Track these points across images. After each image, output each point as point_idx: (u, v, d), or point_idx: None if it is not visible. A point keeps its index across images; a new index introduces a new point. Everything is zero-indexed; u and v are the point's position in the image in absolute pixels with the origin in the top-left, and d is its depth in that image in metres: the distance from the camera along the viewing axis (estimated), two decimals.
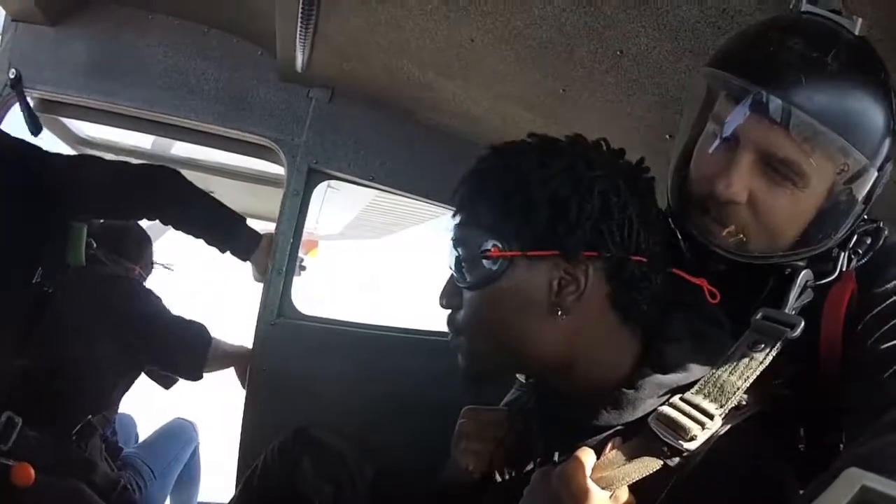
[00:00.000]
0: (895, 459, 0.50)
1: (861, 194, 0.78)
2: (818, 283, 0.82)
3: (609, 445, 0.73)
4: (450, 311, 0.83)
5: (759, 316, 0.76)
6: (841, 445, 0.81)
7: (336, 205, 3.07)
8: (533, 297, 0.76)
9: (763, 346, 0.72)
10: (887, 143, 0.76)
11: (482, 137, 1.82)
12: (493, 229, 0.76)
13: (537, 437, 0.88)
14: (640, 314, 0.79)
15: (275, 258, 1.71)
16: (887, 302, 0.76)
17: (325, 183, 1.88)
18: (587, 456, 0.72)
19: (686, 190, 0.85)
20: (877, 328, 0.73)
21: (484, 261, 0.76)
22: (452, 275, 0.82)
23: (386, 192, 1.95)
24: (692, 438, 0.66)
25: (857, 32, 0.77)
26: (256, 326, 1.71)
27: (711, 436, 0.67)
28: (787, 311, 0.78)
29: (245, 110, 1.73)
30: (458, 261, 0.80)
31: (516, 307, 0.77)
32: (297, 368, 1.71)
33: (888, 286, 0.78)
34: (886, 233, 0.85)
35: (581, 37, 1.19)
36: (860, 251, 0.83)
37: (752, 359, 0.71)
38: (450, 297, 0.83)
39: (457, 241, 0.80)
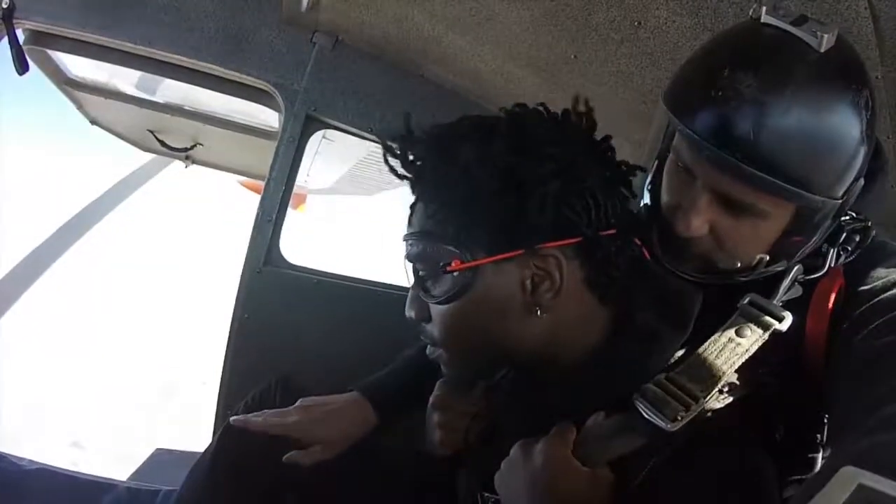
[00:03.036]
0: (890, 457, 0.48)
1: (826, 220, 0.78)
2: (807, 277, 0.82)
3: (591, 419, 0.72)
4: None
5: (746, 301, 0.76)
6: (818, 438, 0.82)
7: (329, 157, 3.01)
8: (507, 301, 0.73)
9: (749, 333, 0.72)
10: (853, 169, 0.75)
11: (486, 98, 1.80)
12: (449, 239, 0.71)
13: (514, 414, 0.86)
14: (617, 290, 0.77)
15: (264, 205, 1.68)
16: (874, 301, 0.75)
17: (319, 133, 1.83)
18: (568, 431, 0.71)
19: (657, 206, 0.85)
20: (864, 326, 0.72)
21: (447, 275, 0.72)
22: (415, 286, 0.78)
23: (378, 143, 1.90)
24: (676, 419, 0.65)
25: (822, 49, 0.71)
26: (242, 273, 1.68)
27: (695, 418, 0.66)
28: (777, 296, 0.79)
29: (245, 51, 1.66)
30: (419, 278, 0.76)
31: (491, 314, 0.74)
32: (282, 318, 1.69)
33: (875, 285, 0.78)
34: (874, 232, 0.84)
35: (600, 2, 1.15)
36: (849, 248, 0.83)
37: (738, 345, 0.71)
38: (418, 309, 0.79)
39: (413, 258, 0.76)
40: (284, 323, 1.69)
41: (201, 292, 6.04)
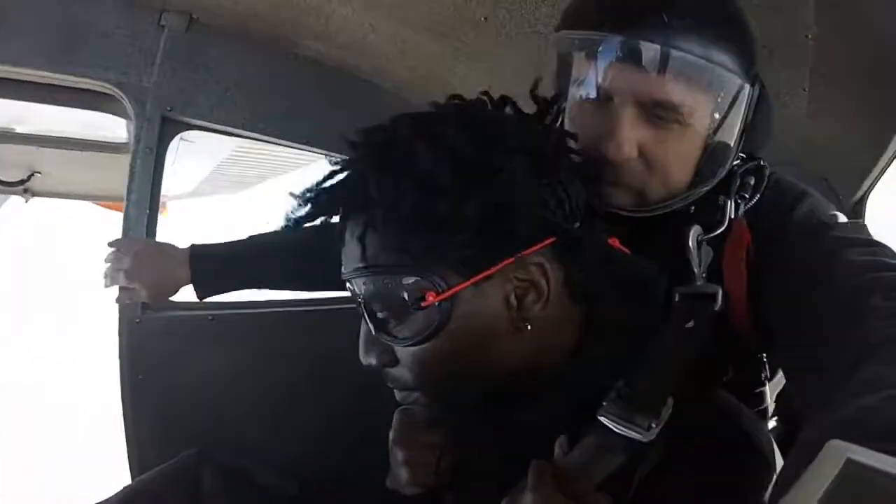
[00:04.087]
0: (880, 422, 0.44)
1: (743, 114, 0.76)
2: (711, 235, 0.79)
3: (557, 448, 0.65)
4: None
5: (677, 299, 0.74)
6: (762, 375, 0.88)
7: (190, 159, 2.60)
8: (492, 324, 0.63)
9: (693, 323, 0.69)
10: (756, 56, 0.76)
11: (379, 73, 1.58)
12: (415, 268, 0.60)
13: (486, 440, 0.76)
14: (593, 288, 0.69)
15: (127, 235, 1.34)
16: (799, 251, 0.72)
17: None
18: (548, 471, 0.62)
19: (580, 164, 0.76)
20: (802, 282, 0.68)
21: (417, 312, 0.61)
22: (374, 329, 0.65)
23: (256, 140, 1.61)
24: (650, 427, 0.60)
25: None
26: (119, 328, 1.34)
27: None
28: (697, 274, 0.77)
29: (78, 49, 1.28)
30: (379, 321, 0.64)
31: (475, 343, 0.63)
32: (179, 371, 1.38)
33: (791, 234, 0.75)
34: (769, 171, 0.83)
35: None
36: (745, 195, 0.80)
37: (687, 339, 0.68)
38: (379, 354, 0.66)
39: (369, 298, 0.63)
40: (185, 377, 1.39)
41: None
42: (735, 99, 0.74)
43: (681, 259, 0.77)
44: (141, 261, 1.13)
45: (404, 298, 0.61)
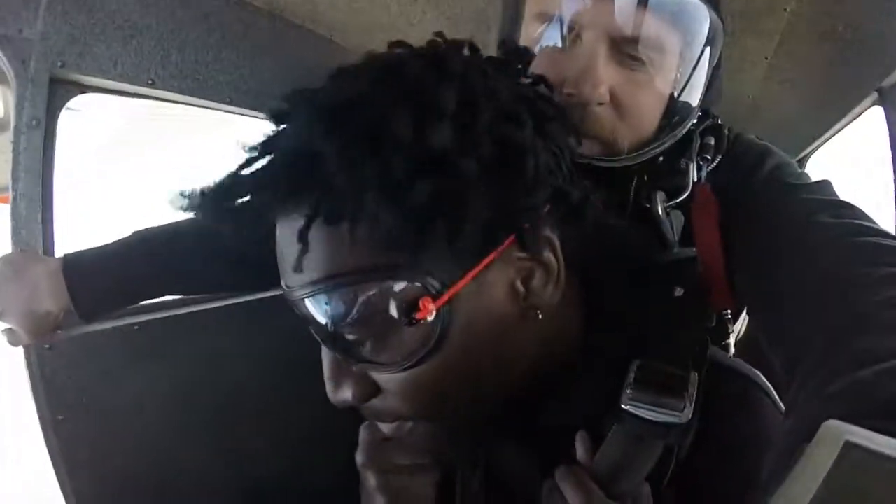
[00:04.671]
0: (873, 401, 0.40)
1: (709, 64, 0.74)
2: (676, 201, 0.75)
3: (579, 447, 0.58)
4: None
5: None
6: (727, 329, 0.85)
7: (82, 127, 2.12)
8: (498, 321, 0.50)
9: (681, 291, 0.65)
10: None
11: (309, 17, 1.34)
12: (401, 270, 0.45)
13: (505, 453, 0.66)
14: (594, 259, 0.62)
15: (18, 233, 1.03)
16: (768, 215, 0.68)
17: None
18: (584, 477, 0.55)
19: None
20: (776, 249, 0.63)
21: (409, 328, 0.47)
22: (340, 355, 0.52)
23: (167, 101, 1.29)
24: (685, 407, 0.56)
25: None
26: (26, 360, 1.03)
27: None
28: (671, 240, 0.74)
29: None
30: (353, 346, 0.49)
31: (481, 350, 0.50)
32: (111, 398, 1.11)
33: (759, 197, 0.72)
34: (728, 129, 0.80)
35: None
36: (707, 156, 0.77)
37: (682, 310, 0.64)
38: (358, 387, 0.52)
39: (338, 319, 0.47)
40: (120, 403, 1.12)
41: None
42: (705, 45, 0.72)
43: (651, 229, 0.74)
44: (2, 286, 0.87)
45: (390, 313, 0.46)
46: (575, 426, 0.59)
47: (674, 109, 0.73)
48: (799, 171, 0.75)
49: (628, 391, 0.57)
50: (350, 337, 0.49)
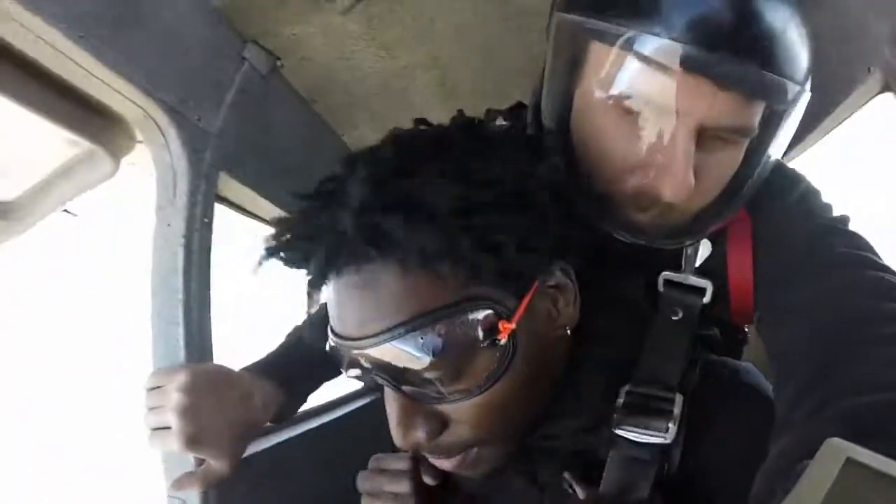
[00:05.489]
0: (870, 425, 0.42)
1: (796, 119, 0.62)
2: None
3: (577, 489, 0.61)
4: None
5: (662, 283, 0.69)
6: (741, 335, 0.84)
7: None
8: (545, 339, 0.58)
9: (680, 314, 0.66)
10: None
11: None
12: (481, 299, 0.52)
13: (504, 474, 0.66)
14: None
15: (191, 338, 0.85)
16: (794, 241, 0.65)
17: None
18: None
19: (594, 180, 0.63)
20: (795, 273, 0.62)
21: (485, 351, 0.53)
22: (415, 395, 0.55)
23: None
24: (667, 429, 0.59)
25: None
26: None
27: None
28: (687, 266, 0.69)
29: (129, 34, 0.79)
30: (430, 382, 0.53)
31: (538, 364, 0.57)
32: None
33: (785, 222, 0.67)
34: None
35: None
36: None
37: (677, 330, 0.65)
38: (426, 424, 0.55)
39: (433, 353, 0.51)
40: None
41: None
42: (794, 102, 0.59)
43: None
44: (202, 401, 0.74)
45: (477, 339, 0.51)
46: (572, 450, 0.62)
47: (750, 179, 0.64)
48: (825, 202, 0.69)
49: (616, 416, 0.60)
50: (433, 374, 0.52)
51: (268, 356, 0.90)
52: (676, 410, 0.59)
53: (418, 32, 0.98)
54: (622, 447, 0.60)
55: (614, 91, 0.57)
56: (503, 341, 0.52)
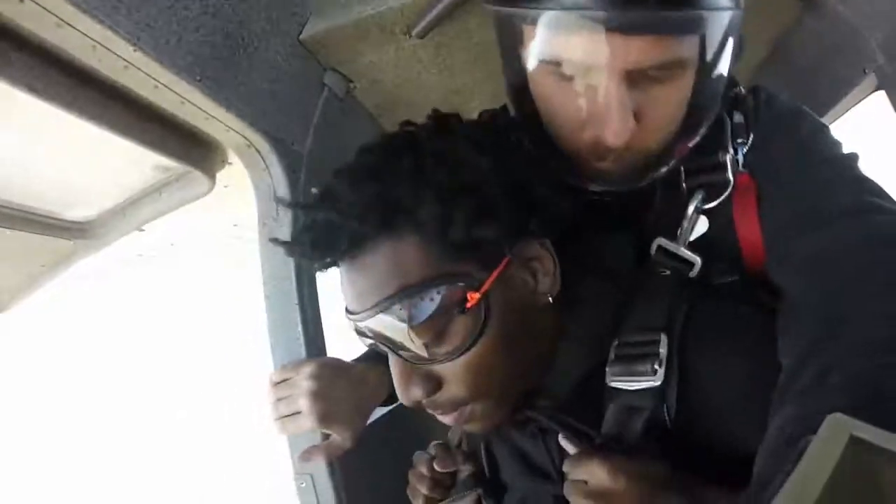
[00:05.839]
0: (871, 394, 0.44)
1: (734, 40, 0.64)
2: (719, 200, 0.71)
3: (567, 445, 0.66)
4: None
5: (655, 249, 0.72)
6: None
7: None
8: (523, 305, 0.65)
9: (667, 273, 0.70)
10: None
11: None
12: (453, 275, 0.60)
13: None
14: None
15: (311, 343, 0.98)
16: (802, 188, 0.67)
17: None
18: (594, 458, 0.62)
19: (555, 142, 0.69)
20: (791, 228, 0.65)
21: (461, 316, 0.61)
22: (410, 358, 0.64)
23: None
24: (655, 371, 0.62)
25: None
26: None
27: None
28: (682, 238, 0.72)
29: (230, 61, 0.87)
30: (420, 347, 0.62)
31: (515, 328, 0.64)
32: None
33: (791, 169, 0.69)
34: (752, 95, 0.75)
35: None
36: (741, 139, 0.72)
37: (663, 283, 0.70)
38: (424, 383, 0.64)
39: (411, 322, 0.60)
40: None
41: None
42: (727, 35, 0.62)
43: (675, 218, 0.72)
44: (328, 386, 0.85)
45: (449, 308, 0.60)
46: (569, 406, 0.68)
47: (701, 104, 0.65)
48: (833, 139, 0.71)
49: (609, 369, 0.65)
50: (418, 339, 0.61)
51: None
52: (662, 350, 0.62)
53: (479, 55, 1.08)
54: (618, 398, 0.64)
55: (544, 60, 0.63)
56: (474, 309, 0.60)
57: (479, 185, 0.60)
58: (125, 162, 1.10)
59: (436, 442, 0.88)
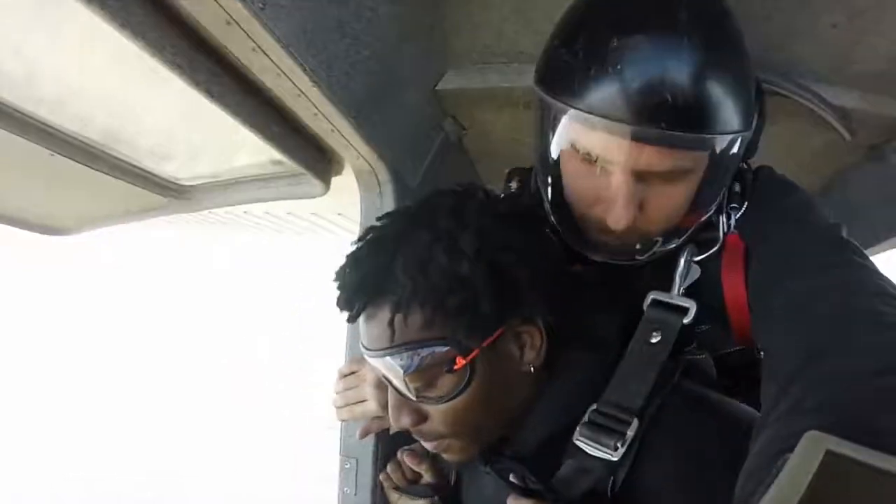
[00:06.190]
0: (846, 418, 0.46)
1: (740, 149, 0.73)
2: (707, 255, 0.79)
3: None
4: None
5: (649, 302, 0.80)
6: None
7: None
8: (505, 372, 0.74)
9: (659, 335, 0.76)
10: (752, 102, 0.73)
11: None
12: (444, 340, 0.70)
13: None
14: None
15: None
16: (784, 246, 0.74)
17: None
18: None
19: (570, 211, 0.79)
20: (773, 281, 0.71)
21: (449, 374, 0.71)
22: (403, 394, 0.75)
23: None
24: (616, 448, 0.69)
25: None
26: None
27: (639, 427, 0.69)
28: (677, 286, 0.79)
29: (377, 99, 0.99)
30: (414, 388, 0.72)
31: (495, 390, 0.73)
32: None
33: (777, 232, 0.76)
34: (748, 168, 0.83)
35: None
36: (735, 205, 0.80)
37: (655, 346, 0.75)
38: (412, 415, 0.75)
39: (405, 369, 0.71)
40: None
41: None
42: (732, 144, 0.71)
43: (668, 269, 0.81)
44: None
45: (439, 366, 0.70)
46: (533, 456, 0.76)
47: (705, 196, 0.75)
48: (822, 210, 0.77)
49: (579, 429, 0.72)
50: (410, 384, 0.72)
51: None
52: (630, 433, 0.69)
53: None
54: (576, 457, 0.72)
55: (571, 145, 0.72)
56: (461, 370, 0.70)
57: (480, 273, 0.68)
58: (250, 149, 1.20)
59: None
